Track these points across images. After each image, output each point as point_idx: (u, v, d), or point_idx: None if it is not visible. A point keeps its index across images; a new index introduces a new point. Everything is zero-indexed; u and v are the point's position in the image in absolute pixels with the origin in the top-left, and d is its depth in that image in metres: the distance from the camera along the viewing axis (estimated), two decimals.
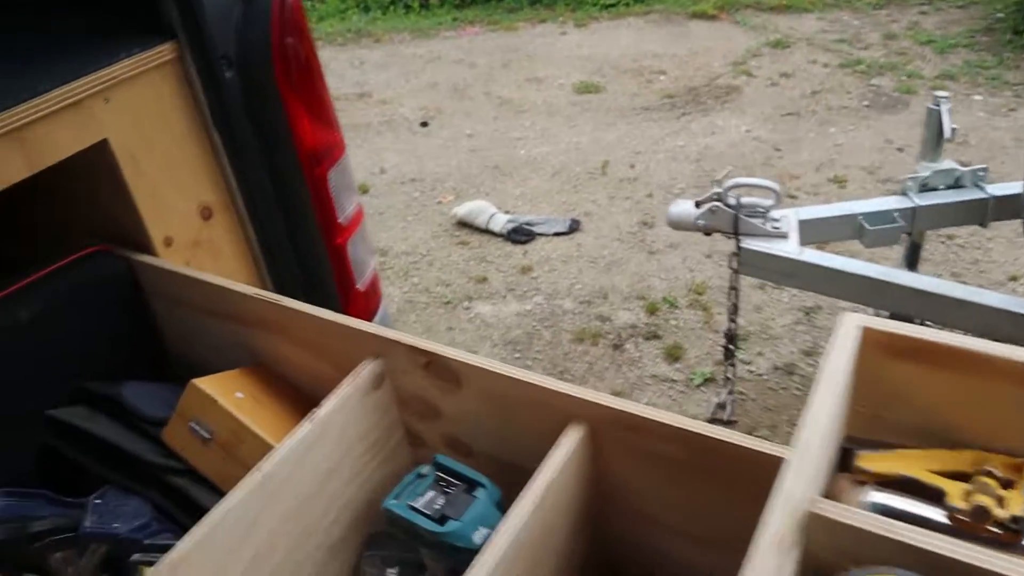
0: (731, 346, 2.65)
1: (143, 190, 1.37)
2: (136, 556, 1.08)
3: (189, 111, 1.39)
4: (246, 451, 1.19)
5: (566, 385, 1.03)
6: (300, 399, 1.31)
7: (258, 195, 1.48)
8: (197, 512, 1.17)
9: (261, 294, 1.24)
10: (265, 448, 1.17)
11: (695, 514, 1.01)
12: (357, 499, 1.18)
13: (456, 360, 1.08)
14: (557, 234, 3.64)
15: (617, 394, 2.94)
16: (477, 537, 1.01)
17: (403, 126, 4.86)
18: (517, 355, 3.08)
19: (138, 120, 1.33)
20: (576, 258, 3.53)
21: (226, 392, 1.21)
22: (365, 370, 1.13)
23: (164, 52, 1.33)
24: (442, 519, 1.03)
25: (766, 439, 2.66)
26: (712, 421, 2.79)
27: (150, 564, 1.07)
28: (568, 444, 1.01)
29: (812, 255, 2.32)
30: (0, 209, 1.28)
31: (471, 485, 1.07)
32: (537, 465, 1.08)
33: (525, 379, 1.04)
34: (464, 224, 3.76)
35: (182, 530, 1.16)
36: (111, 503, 1.19)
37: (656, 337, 3.10)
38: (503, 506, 1.06)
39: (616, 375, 2.96)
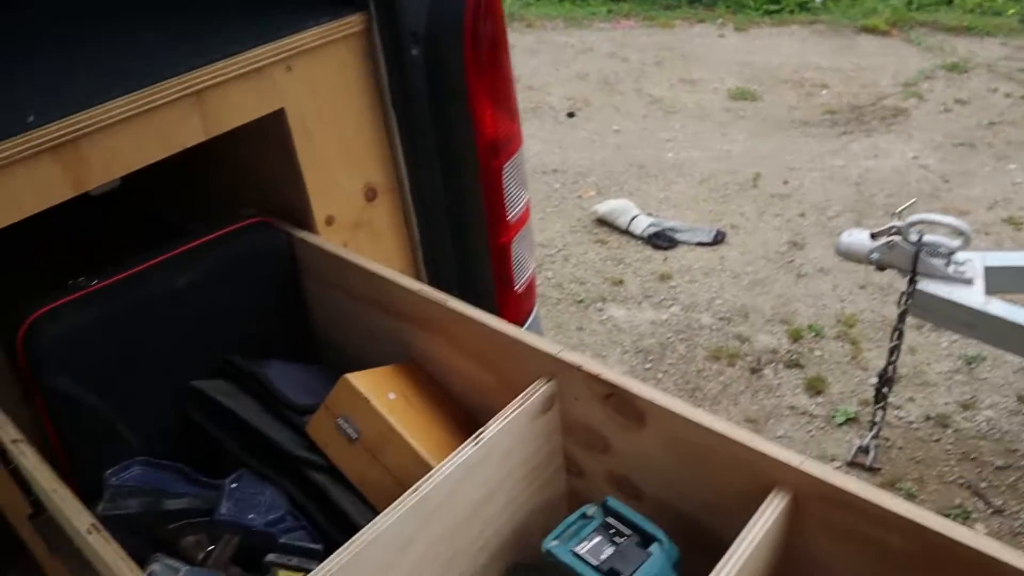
0: (885, 389, 2.45)
1: (312, 164, 1.30)
2: (271, 557, 1.01)
3: (368, 87, 1.31)
4: (392, 457, 1.10)
5: (770, 445, 0.90)
6: (454, 407, 1.21)
7: (426, 182, 1.39)
8: (333, 513, 1.10)
9: (426, 292, 1.15)
10: (413, 457, 1.08)
11: None
12: (507, 526, 1.08)
13: (643, 398, 0.97)
14: (700, 244, 3.48)
15: (751, 421, 2.77)
16: None
17: (549, 115, 4.75)
18: (648, 365, 2.94)
19: (317, 92, 1.26)
20: (718, 271, 3.36)
21: (379, 391, 1.13)
22: (537, 392, 1.03)
23: (352, 23, 1.25)
24: (610, 572, 0.92)
25: (911, 494, 2.43)
26: (852, 465, 2.59)
27: (286, 568, 1.00)
28: (769, 514, 0.88)
29: (1000, 307, 2.10)
30: (168, 171, 1.23)
31: (645, 538, 0.95)
32: (722, 526, 0.96)
33: (725, 432, 0.91)
34: (604, 222, 3.63)
35: (316, 529, 1.09)
36: (247, 490, 1.13)
37: (797, 366, 2.91)
38: (680, 569, 0.94)
39: (751, 401, 2.79)
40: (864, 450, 2.57)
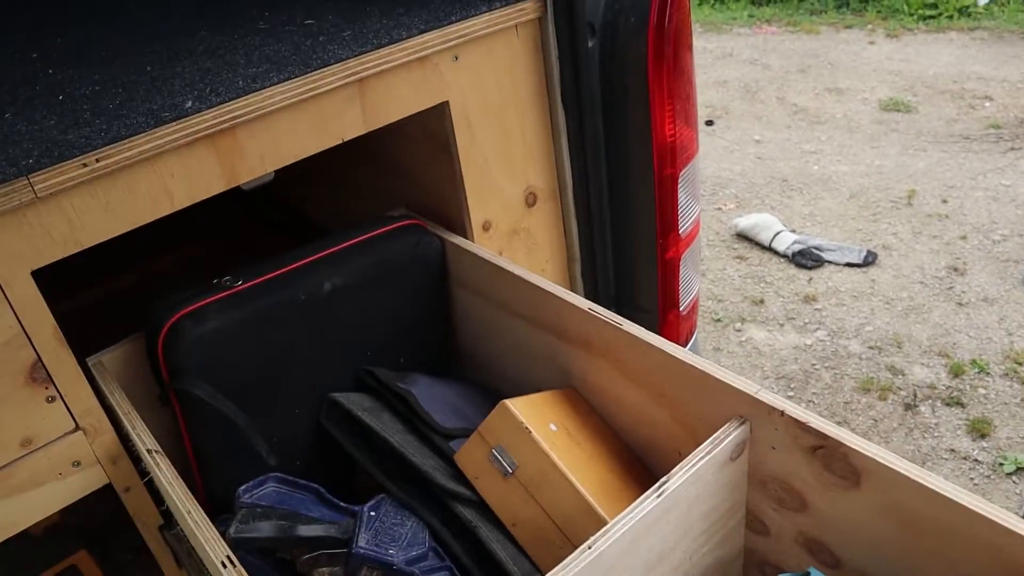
0: None
1: (472, 164, 1.19)
2: None
3: (538, 80, 1.20)
4: (552, 497, 0.98)
5: None
6: (617, 443, 1.08)
7: (594, 187, 1.27)
8: (480, 554, 0.99)
9: (598, 311, 1.02)
10: (576, 500, 0.96)
11: None
12: None
13: (864, 455, 0.81)
14: (849, 265, 3.24)
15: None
16: None
17: None
18: (791, 393, 2.73)
19: (483, 84, 1.15)
20: (869, 295, 3.11)
21: (540, 422, 1.00)
22: (729, 437, 0.88)
23: (527, 10, 1.14)
24: None
25: None
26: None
27: None
28: None
29: None
30: (315, 166, 1.14)
31: None
32: None
33: (973, 507, 0.75)
34: (744, 237, 3.43)
35: (460, 569, 0.98)
36: (386, 520, 1.02)
37: (959, 405, 2.65)
38: None
39: (905, 440, 2.55)
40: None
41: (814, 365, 2.84)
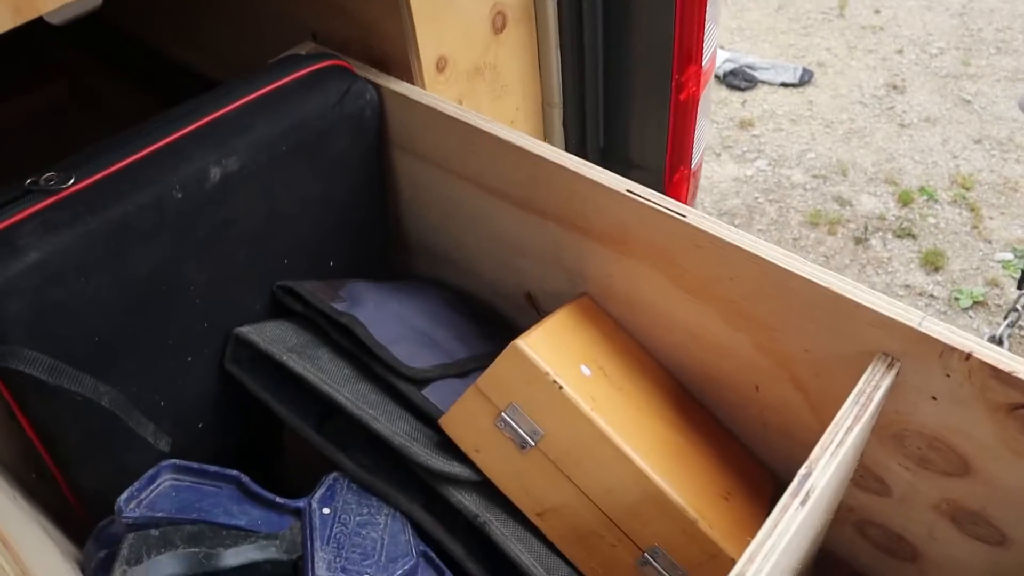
0: None
1: None
2: None
3: None
4: (597, 475, 0.67)
5: None
6: (665, 376, 0.77)
7: (586, 3, 0.89)
8: (492, 558, 0.68)
9: (643, 195, 0.68)
10: (635, 478, 0.65)
11: None
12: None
13: None
14: (784, 84, 2.95)
15: None
16: None
17: None
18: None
19: None
20: (808, 118, 2.86)
21: (568, 365, 0.68)
22: (879, 390, 0.58)
23: None
24: None
25: None
26: None
27: None
28: None
29: None
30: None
31: None
32: None
33: None
34: None
35: None
36: (347, 519, 0.70)
37: (910, 236, 2.48)
38: None
39: (858, 277, 2.37)
40: (997, 341, 2.18)
41: (757, 199, 2.60)
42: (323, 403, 0.75)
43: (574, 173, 0.71)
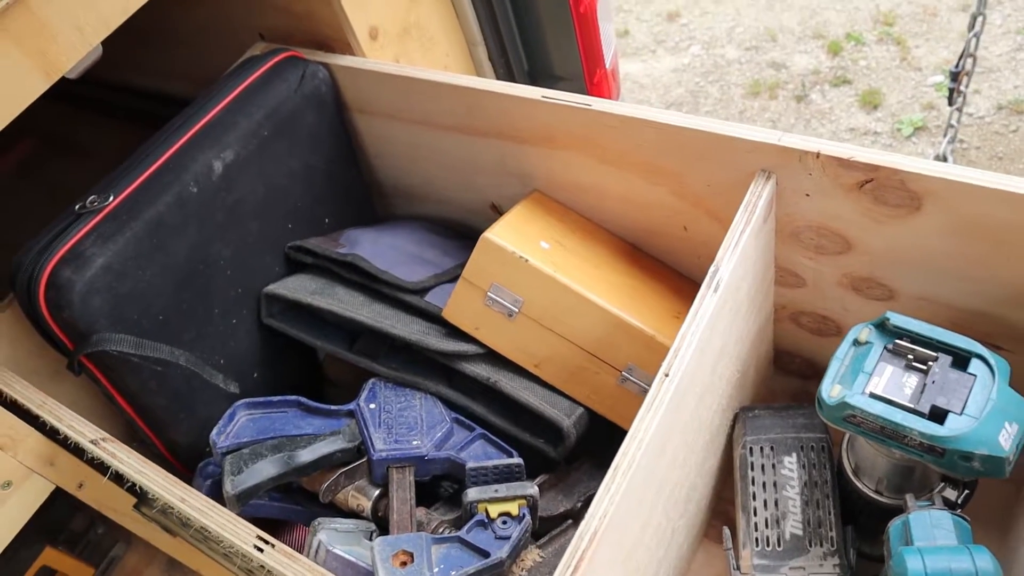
0: (962, 88, 2.18)
1: None
2: (473, 493, 0.77)
3: None
4: (573, 323, 0.85)
5: None
6: (616, 240, 0.95)
7: None
8: (509, 410, 0.86)
9: (557, 97, 0.85)
10: (602, 316, 0.83)
11: None
12: (736, 373, 0.85)
13: (926, 175, 0.70)
14: None
15: None
16: (1005, 439, 0.67)
17: None
18: None
19: None
20: None
21: (530, 244, 0.85)
22: (761, 198, 0.76)
23: None
24: (936, 412, 0.69)
25: None
26: None
27: (497, 501, 0.77)
28: None
29: None
30: (143, 26, 0.88)
31: (956, 357, 0.72)
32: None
33: None
34: None
35: (494, 431, 0.86)
36: (391, 408, 0.88)
37: (846, 82, 2.63)
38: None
39: (806, 132, 2.53)
40: (942, 158, 2.35)
41: (698, 83, 2.74)
42: (349, 327, 0.93)
43: (498, 93, 0.88)
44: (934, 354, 0.72)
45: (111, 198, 0.83)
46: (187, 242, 0.88)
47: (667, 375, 0.66)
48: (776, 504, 0.84)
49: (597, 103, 0.83)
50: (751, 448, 0.86)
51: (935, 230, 0.74)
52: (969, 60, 2.13)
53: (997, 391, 0.69)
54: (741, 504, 0.85)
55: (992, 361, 0.70)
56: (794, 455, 0.86)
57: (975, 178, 0.69)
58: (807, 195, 0.77)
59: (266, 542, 0.65)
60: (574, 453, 0.88)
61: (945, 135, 2.32)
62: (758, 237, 0.77)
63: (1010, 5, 2.61)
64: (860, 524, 0.83)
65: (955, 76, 2.18)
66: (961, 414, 0.68)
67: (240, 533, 0.67)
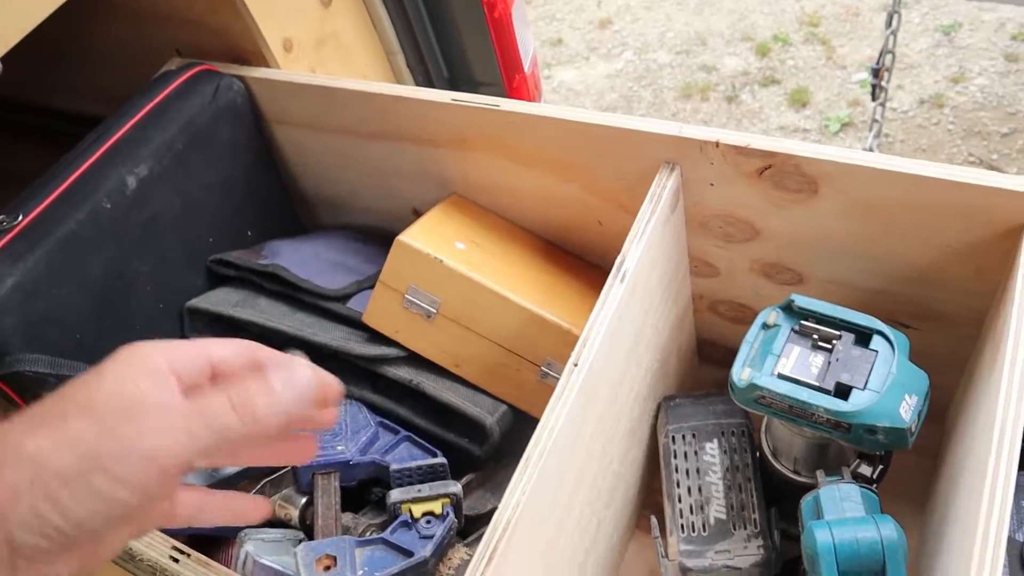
0: (883, 83, 2.25)
1: None
2: (396, 494, 0.77)
3: None
4: (490, 321, 0.86)
5: (1009, 178, 0.68)
6: (532, 238, 0.96)
7: None
8: (433, 410, 0.87)
9: (466, 100, 0.86)
10: (518, 313, 0.84)
11: None
12: (654, 362, 0.87)
13: (818, 160, 0.72)
14: None
15: None
16: (905, 411, 0.70)
17: None
18: None
19: None
20: (659, 2, 3.04)
21: (445, 245, 0.86)
22: (666, 189, 0.77)
23: None
24: (841, 388, 0.71)
25: None
26: None
27: (420, 500, 0.77)
28: None
29: None
30: (50, 42, 0.87)
31: (858, 334, 0.74)
32: (939, 296, 0.76)
33: (947, 176, 0.68)
34: None
35: (420, 433, 0.87)
36: None
37: (774, 82, 2.69)
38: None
39: (738, 130, 2.58)
40: (869, 152, 2.41)
41: (632, 88, 2.79)
42: (274, 338, 0.93)
43: (410, 98, 0.89)
44: (837, 333, 0.74)
45: (20, 217, 0.82)
46: (103, 259, 0.87)
47: (576, 365, 0.67)
48: (700, 490, 0.86)
49: (505, 103, 0.84)
50: (673, 436, 0.88)
51: (832, 212, 0.76)
52: (888, 57, 2.20)
53: (897, 365, 0.71)
54: (666, 492, 0.87)
55: (892, 337, 0.73)
56: (715, 441, 0.88)
57: (864, 160, 0.71)
58: (711, 184, 0.79)
59: (182, 552, 0.65)
60: (502, 451, 0.89)
61: (871, 130, 2.39)
62: (665, 227, 0.79)
63: (927, 3, 2.70)
64: (783, 505, 0.85)
65: (876, 73, 2.24)
66: (864, 389, 0.71)
67: (156, 546, 0.67)
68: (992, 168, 2.37)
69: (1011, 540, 0.77)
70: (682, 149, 0.77)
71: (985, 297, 0.77)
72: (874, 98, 2.30)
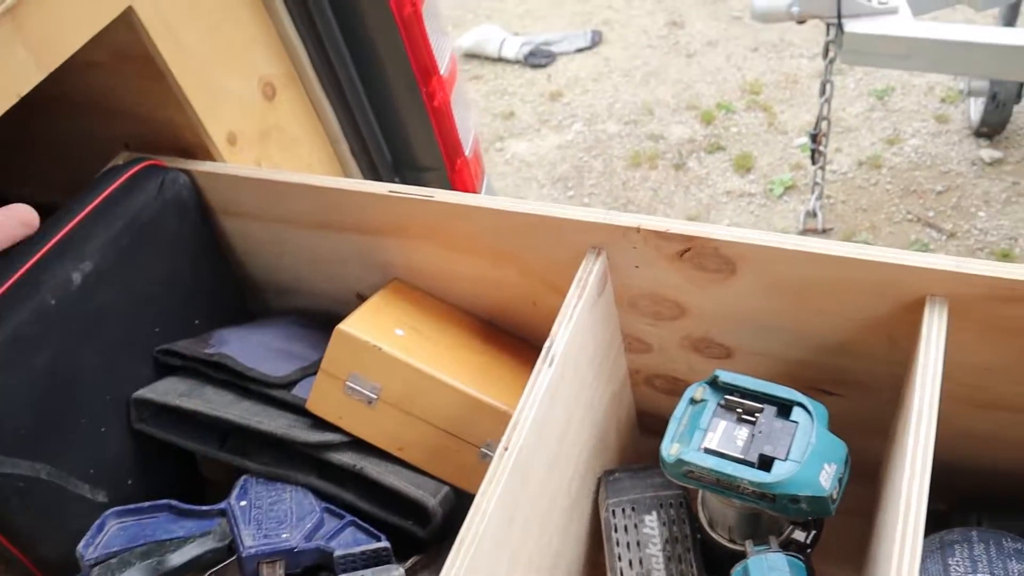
0: (821, 148, 2.34)
1: (188, 71, 0.99)
2: None
3: None
4: (429, 404, 0.88)
5: (913, 256, 0.72)
6: (469, 320, 0.99)
7: (333, 53, 1.10)
8: (376, 494, 0.89)
9: (402, 191, 0.90)
10: (456, 396, 0.87)
11: None
12: (592, 439, 0.90)
13: (733, 243, 0.77)
14: (579, 50, 3.23)
15: (692, 219, 2.64)
16: (825, 479, 0.73)
17: None
18: (570, 193, 2.75)
19: None
20: (607, 74, 3.14)
21: (384, 332, 0.89)
22: (592, 273, 0.81)
23: None
24: (764, 460, 0.74)
25: (868, 243, 2.38)
26: (804, 233, 2.52)
27: None
28: (935, 331, 0.71)
29: (933, 28, 1.97)
30: (10, 128, 0.90)
31: (781, 406, 0.77)
32: (855, 365, 0.80)
33: (848, 255, 0.73)
34: (472, 55, 3.32)
35: (365, 520, 0.88)
36: (261, 503, 0.89)
37: (720, 149, 2.78)
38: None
39: (686, 198, 2.66)
40: (812, 214, 2.50)
41: (582, 158, 2.86)
42: (219, 427, 0.95)
43: (350, 191, 0.92)
44: (760, 406, 0.77)
45: None
46: (48, 355, 0.88)
47: (506, 449, 0.70)
48: (641, 562, 0.88)
49: (439, 194, 0.88)
50: (613, 510, 0.90)
51: (750, 290, 0.80)
52: (824, 123, 2.29)
53: (816, 435, 0.74)
54: (609, 566, 0.88)
55: (810, 407, 0.76)
56: (654, 513, 0.90)
57: (776, 241, 0.75)
58: (636, 267, 0.83)
59: None
60: (446, 532, 0.90)
61: (812, 192, 2.47)
62: (593, 309, 0.82)
63: (861, 70, 2.82)
64: (722, 573, 0.87)
65: (814, 138, 2.33)
66: (786, 460, 0.74)
67: None
68: (929, 225, 2.46)
69: None
70: (607, 235, 0.81)
71: (900, 365, 0.81)
72: (814, 162, 2.39)
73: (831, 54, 2.10)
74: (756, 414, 0.77)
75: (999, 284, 0.70)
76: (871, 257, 0.73)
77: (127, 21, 0.90)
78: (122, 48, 0.95)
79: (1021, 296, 0.70)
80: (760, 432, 0.76)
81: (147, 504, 0.90)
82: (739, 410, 0.78)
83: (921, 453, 0.65)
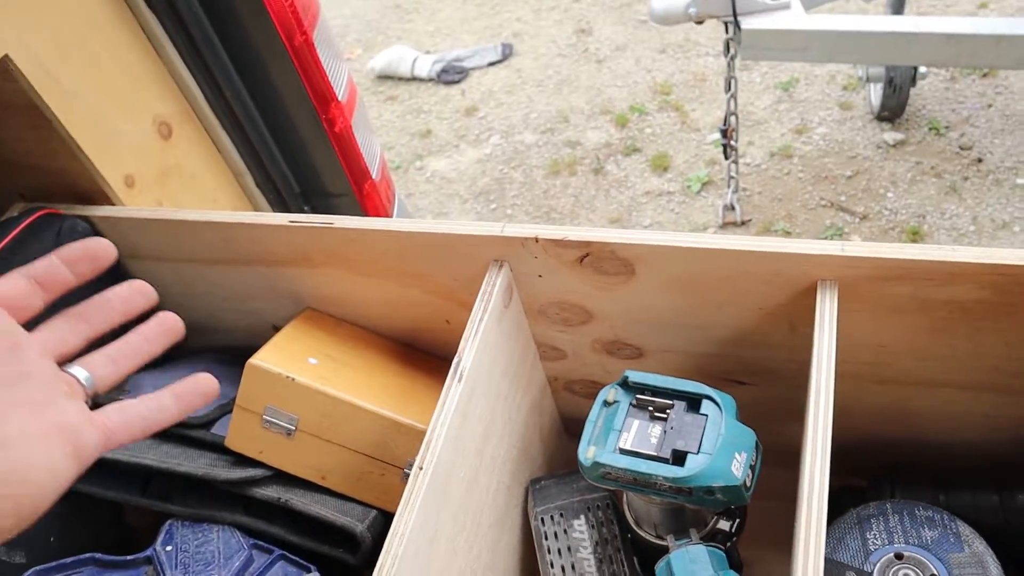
0: (732, 143, 2.40)
1: (76, 117, 0.97)
2: None
3: None
4: (348, 431, 0.88)
5: (800, 243, 0.74)
6: (384, 343, 0.99)
7: (227, 89, 1.09)
8: (302, 525, 0.88)
9: (302, 220, 0.89)
10: (374, 420, 0.87)
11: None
12: (513, 449, 0.90)
13: (629, 244, 0.78)
14: (491, 64, 3.26)
15: (615, 221, 2.68)
16: (737, 468, 0.74)
17: None
18: (493, 206, 2.77)
19: (42, 19, 0.92)
20: (520, 85, 3.17)
21: (297, 362, 0.88)
22: (495, 286, 0.82)
23: None
24: (677, 456, 0.76)
25: (787, 231, 2.43)
26: (724, 226, 2.57)
27: None
28: (828, 312, 0.73)
29: (825, 20, 2.04)
30: None
31: (690, 400, 0.79)
32: (758, 354, 0.82)
33: (741, 247, 0.75)
34: (385, 77, 3.32)
35: (293, 552, 0.88)
36: (188, 546, 0.88)
37: (636, 151, 2.82)
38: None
39: (607, 202, 2.69)
40: (730, 207, 2.55)
41: (502, 170, 2.87)
42: (140, 473, 0.93)
43: (250, 224, 0.92)
44: (670, 402, 0.79)
45: None
46: None
47: (421, 468, 0.70)
48: (573, 567, 0.89)
49: (339, 220, 0.88)
50: (542, 518, 0.91)
51: (651, 290, 0.82)
52: (732, 118, 2.34)
53: (725, 426, 0.76)
54: (543, 573, 0.89)
55: (718, 399, 0.78)
56: (582, 517, 0.91)
57: (670, 240, 0.77)
58: (540, 276, 0.84)
59: None
60: (377, 556, 0.90)
61: (728, 186, 2.52)
62: (501, 322, 0.83)
63: (766, 64, 2.89)
64: (654, 570, 0.89)
65: (725, 133, 2.38)
66: (698, 453, 0.75)
67: None
68: (842, 209, 2.53)
69: (859, 571, 0.82)
70: (507, 247, 0.82)
71: (803, 351, 0.83)
72: (727, 157, 2.44)
73: (732, 51, 2.15)
74: (667, 411, 0.78)
75: (883, 264, 0.73)
76: (761, 248, 0.75)
77: (4, 70, 0.88)
78: (4, 98, 0.93)
79: (904, 275, 0.73)
80: (672, 428, 0.77)
81: (70, 560, 0.88)
82: (651, 408, 0.79)
83: (822, 431, 0.67)
